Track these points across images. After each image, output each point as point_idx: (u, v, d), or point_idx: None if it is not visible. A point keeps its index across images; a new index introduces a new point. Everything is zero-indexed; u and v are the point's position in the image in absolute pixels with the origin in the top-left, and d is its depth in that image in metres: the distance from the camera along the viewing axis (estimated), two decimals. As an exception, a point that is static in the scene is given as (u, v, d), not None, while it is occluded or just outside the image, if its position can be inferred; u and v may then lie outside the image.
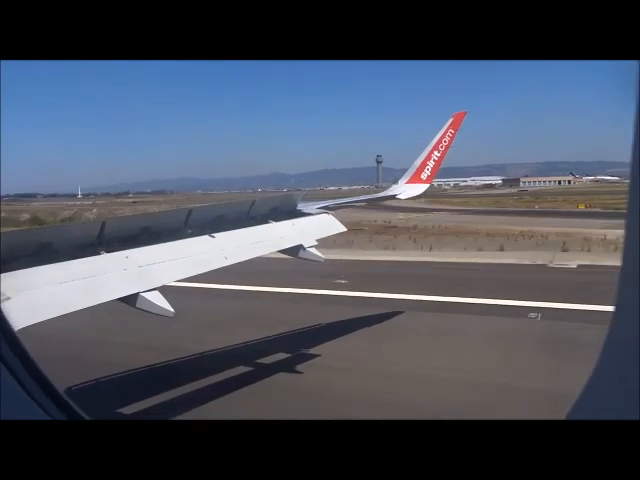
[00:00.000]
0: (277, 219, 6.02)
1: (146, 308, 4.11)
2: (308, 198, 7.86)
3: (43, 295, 3.64)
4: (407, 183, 8.09)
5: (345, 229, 6.72)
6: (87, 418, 1.31)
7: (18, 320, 2.99)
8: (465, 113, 8.40)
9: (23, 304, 3.40)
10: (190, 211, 5.16)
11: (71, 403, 1.25)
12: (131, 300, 4.09)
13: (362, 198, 8.44)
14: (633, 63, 1.08)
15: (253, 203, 5.83)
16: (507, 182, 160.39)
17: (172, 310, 4.11)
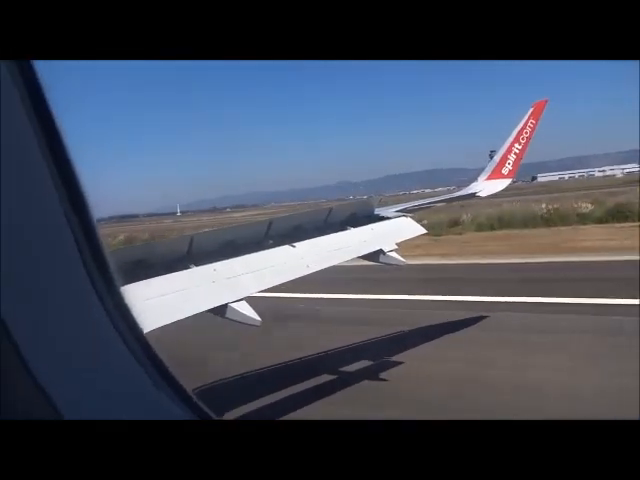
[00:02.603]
0: (355, 225, 5.89)
1: (235, 318, 4.17)
2: (388, 203, 7.67)
3: (143, 309, 3.81)
4: (487, 180, 7.65)
5: (425, 231, 6.46)
6: (215, 417, 1.34)
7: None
8: (546, 101, 7.79)
9: None
10: (270, 222, 5.21)
11: (200, 403, 1.28)
12: (220, 311, 4.18)
13: (439, 199, 8.06)
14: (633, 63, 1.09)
15: (330, 211, 5.77)
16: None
17: (259, 319, 4.15)
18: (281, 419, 5.41)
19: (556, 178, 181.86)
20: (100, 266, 1.08)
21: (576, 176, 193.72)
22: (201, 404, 1.29)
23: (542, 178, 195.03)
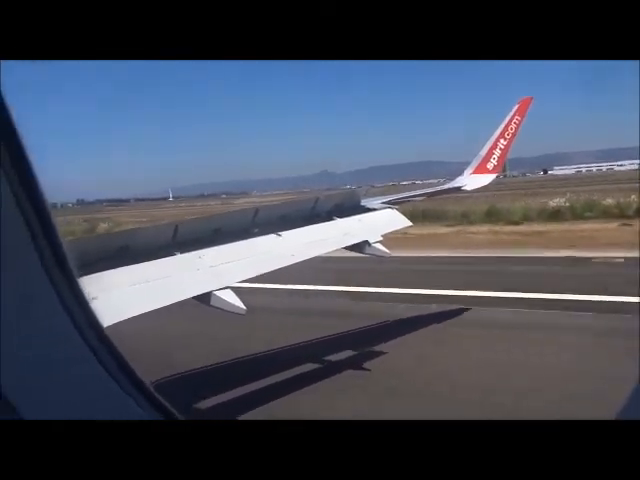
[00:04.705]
0: (341, 216, 5.83)
1: (219, 306, 4.11)
2: (377, 194, 7.62)
3: (124, 295, 3.73)
4: (473, 174, 7.64)
5: (410, 223, 6.44)
6: (180, 418, 1.32)
7: (102, 320, 3.05)
8: (532, 99, 7.80)
9: (107, 304, 3.49)
10: (257, 211, 5.14)
11: (164, 402, 1.25)
12: (205, 298, 4.12)
13: (425, 191, 8.04)
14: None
15: (317, 200, 5.71)
16: None
17: (244, 307, 4.09)
18: (243, 419, 5.40)
19: (572, 172, 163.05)
20: (57, 258, 1.02)
21: (594, 169, 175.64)
22: (166, 404, 1.26)
23: (558, 171, 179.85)
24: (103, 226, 35.17)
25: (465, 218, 23.80)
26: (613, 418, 1.13)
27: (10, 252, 0.94)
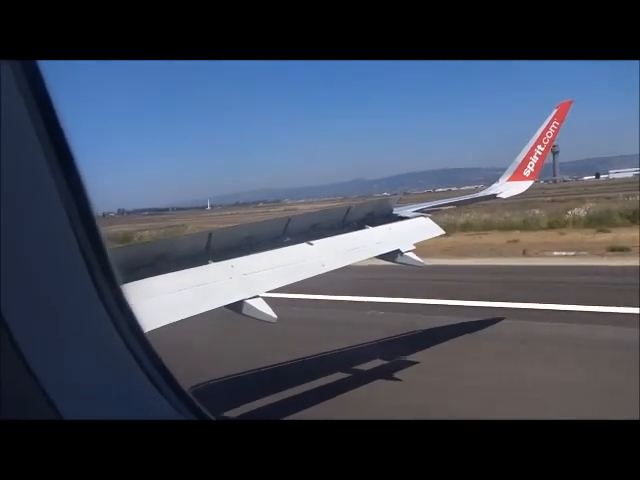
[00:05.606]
0: (373, 224, 5.78)
1: (251, 314, 4.13)
2: (414, 201, 7.49)
3: (161, 303, 3.80)
4: (509, 181, 7.42)
5: (443, 232, 6.31)
6: (212, 418, 1.33)
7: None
8: (571, 102, 7.53)
9: (143, 311, 3.55)
10: (289, 220, 5.15)
11: (198, 403, 1.28)
12: (237, 307, 4.16)
13: (458, 199, 7.85)
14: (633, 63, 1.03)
15: (349, 209, 5.68)
16: None
17: (275, 316, 4.10)
18: (281, 419, 5.40)
19: (631, 175, 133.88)
20: (102, 264, 1.05)
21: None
22: (199, 404, 1.27)
23: (615, 174, 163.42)
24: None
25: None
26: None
27: (59, 259, 0.98)
